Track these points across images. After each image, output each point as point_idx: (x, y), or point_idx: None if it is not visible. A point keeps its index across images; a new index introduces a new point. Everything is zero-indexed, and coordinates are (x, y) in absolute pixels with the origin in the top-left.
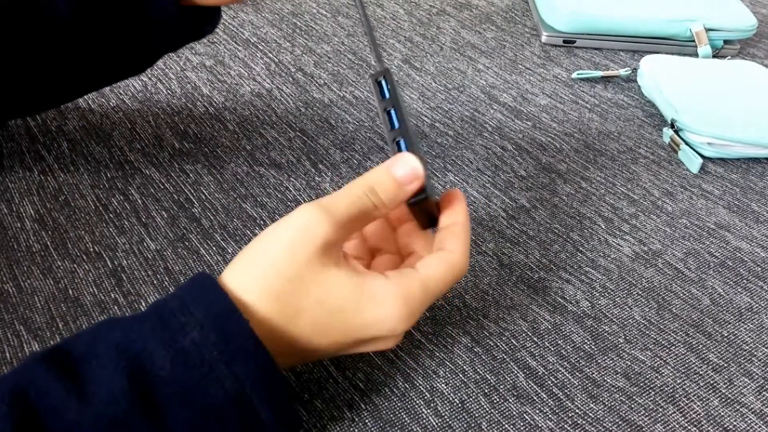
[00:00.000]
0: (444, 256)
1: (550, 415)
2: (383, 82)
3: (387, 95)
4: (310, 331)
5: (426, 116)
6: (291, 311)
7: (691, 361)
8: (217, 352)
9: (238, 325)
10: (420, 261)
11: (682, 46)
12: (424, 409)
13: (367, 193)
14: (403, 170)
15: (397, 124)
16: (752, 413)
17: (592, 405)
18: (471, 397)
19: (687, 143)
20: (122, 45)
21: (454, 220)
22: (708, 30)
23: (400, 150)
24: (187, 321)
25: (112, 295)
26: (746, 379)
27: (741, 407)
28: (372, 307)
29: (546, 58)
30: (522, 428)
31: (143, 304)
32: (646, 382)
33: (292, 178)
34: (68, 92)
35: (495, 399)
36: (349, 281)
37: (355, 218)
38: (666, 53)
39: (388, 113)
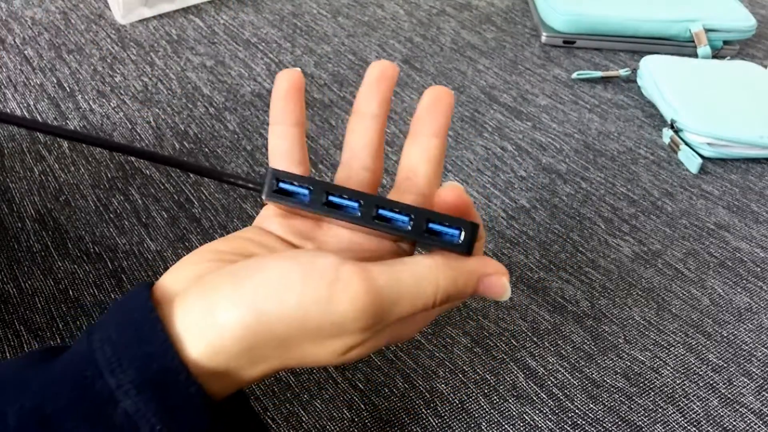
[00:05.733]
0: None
1: (549, 416)
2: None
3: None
4: (269, 368)
5: None
6: (256, 358)
7: (691, 361)
8: (159, 429)
9: (186, 392)
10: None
11: (682, 46)
12: (423, 410)
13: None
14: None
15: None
16: (752, 413)
17: (591, 405)
18: (471, 397)
19: (687, 143)
20: None
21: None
22: (707, 30)
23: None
24: (118, 384)
25: (113, 295)
26: (745, 379)
27: (740, 407)
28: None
29: (546, 59)
30: (522, 428)
31: None
32: (646, 382)
33: None
34: None
35: (495, 399)
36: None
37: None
38: (665, 53)
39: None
